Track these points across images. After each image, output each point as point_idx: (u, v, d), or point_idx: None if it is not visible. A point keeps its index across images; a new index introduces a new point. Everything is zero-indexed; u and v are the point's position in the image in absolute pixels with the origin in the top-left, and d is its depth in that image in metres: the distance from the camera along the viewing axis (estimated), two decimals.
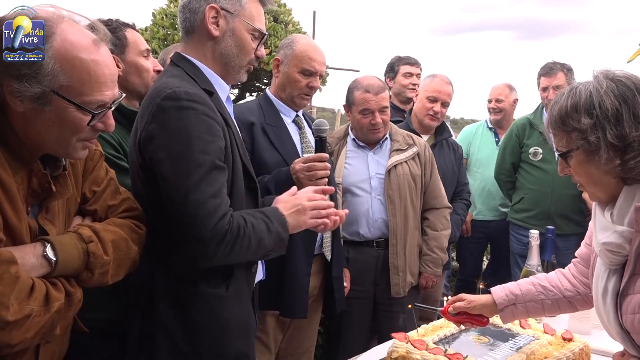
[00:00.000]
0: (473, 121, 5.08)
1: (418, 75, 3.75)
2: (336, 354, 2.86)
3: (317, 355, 2.70)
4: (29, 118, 1.13)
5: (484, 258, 4.56)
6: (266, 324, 2.26)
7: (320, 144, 2.04)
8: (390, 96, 3.87)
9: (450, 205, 2.95)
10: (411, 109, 3.36)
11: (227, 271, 1.54)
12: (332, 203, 1.66)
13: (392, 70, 3.84)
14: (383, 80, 3.91)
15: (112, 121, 1.22)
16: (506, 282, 3.87)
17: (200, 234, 1.38)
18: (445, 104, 3.20)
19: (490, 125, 4.29)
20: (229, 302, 1.54)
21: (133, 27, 2.08)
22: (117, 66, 1.96)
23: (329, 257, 2.41)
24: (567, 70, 3.62)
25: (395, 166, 2.70)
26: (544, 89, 3.65)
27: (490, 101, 4.25)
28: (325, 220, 1.63)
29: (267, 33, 1.67)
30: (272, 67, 2.44)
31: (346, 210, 1.80)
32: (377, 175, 2.72)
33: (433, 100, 3.18)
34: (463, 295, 1.70)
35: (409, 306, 1.86)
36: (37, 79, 1.08)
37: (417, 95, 3.32)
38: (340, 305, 2.46)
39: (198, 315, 1.51)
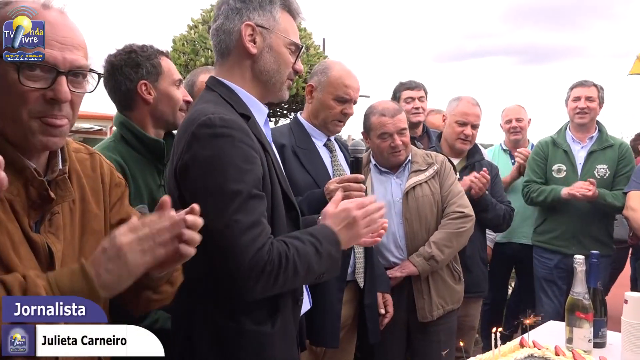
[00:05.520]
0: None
1: (420, 98, 3.63)
2: None
3: None
4: None
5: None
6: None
7: (356, 165, 2.00)
8: None
9: (468, 214, 2.67)
10: (440, 134, 3.31)
11: (273, 306, 1.45)
12: (382, 206, 1.55)
13: (394, 97, 3.79)
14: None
15: (65, 89, 1.09)
16: (531, 308, 3.71)
17: (238, 268, 1.31)
18: (475, 126, 3.15)
19: (505, 147, 4.22)
20: (275, 340, 1.45)
21: (167, 55, 2.05)
22: (149, 93, 1.93)
23: (361, 284, 2.32)
24: (600, 88, 3.63)
25: (414, 188, 2.63)
26: (576, 99, 3.60)
27: (509, 121, 4.20)
28: (381, 231, 1.54)
29: (303, 45, 1.62)
30: (305, 93, 2.42)
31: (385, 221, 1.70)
32: (399, 200, 2.65)
33: (462, 124, 3.13)
34: None
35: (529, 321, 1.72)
36: None
37: (419, 119, 3.34)
38: (374, 337, 2.35)
39: (242, 354, 1.41)
